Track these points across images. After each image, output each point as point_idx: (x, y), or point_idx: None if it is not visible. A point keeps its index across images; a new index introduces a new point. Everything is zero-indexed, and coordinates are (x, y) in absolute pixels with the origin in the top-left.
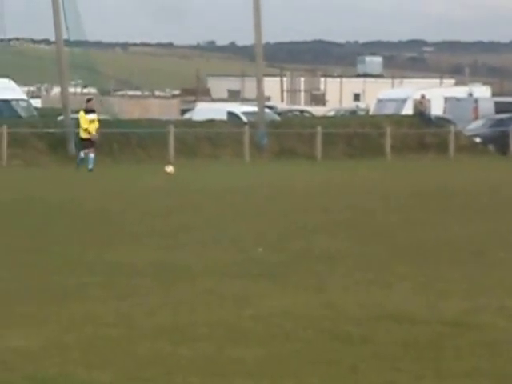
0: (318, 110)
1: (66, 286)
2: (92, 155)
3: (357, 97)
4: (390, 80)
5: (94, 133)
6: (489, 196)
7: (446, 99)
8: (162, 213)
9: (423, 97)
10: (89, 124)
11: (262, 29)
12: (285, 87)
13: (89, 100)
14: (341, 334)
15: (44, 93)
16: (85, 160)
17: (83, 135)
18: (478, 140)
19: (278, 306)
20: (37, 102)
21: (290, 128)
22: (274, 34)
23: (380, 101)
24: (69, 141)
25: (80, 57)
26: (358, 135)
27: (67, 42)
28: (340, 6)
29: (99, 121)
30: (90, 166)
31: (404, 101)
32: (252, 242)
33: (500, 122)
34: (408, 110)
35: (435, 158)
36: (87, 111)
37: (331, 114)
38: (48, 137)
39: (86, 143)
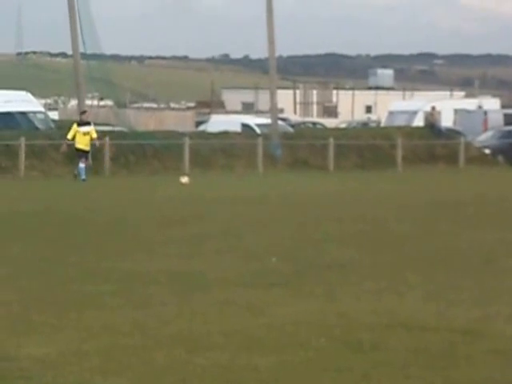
0: (330, 122)
1: (83, 295)
2: (83, 165)
3: (368, 109)
4: (401, 92)
5: (87, 145)
6: (498, 206)
7: (456, 111)
8: (177, 223)
9: (433, 109)
10: (82, 136)
11: (275, 42)
12: (298, 100)
13: (83, 112)
14: (353, 342)
15: (61, 105)
16: (86, 169)
17: (77, 146)
18: (487, 151)
19: (291, 314)
20: (54, 115)
21: (303, 140)
22: (286, 47)
23: (391, 113)
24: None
25: (96, 70)
26: (369, 147)
27: (84, 55)
28: (352, 20)
29: (97, 131)
30: (83, 177)
31: (415, 113)
32: (266, 251)
33: (509, 134)
34: (419, 121)
35: (445, 169)
36: (80, 123)
37: (343, 125)
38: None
39: (80, 154)
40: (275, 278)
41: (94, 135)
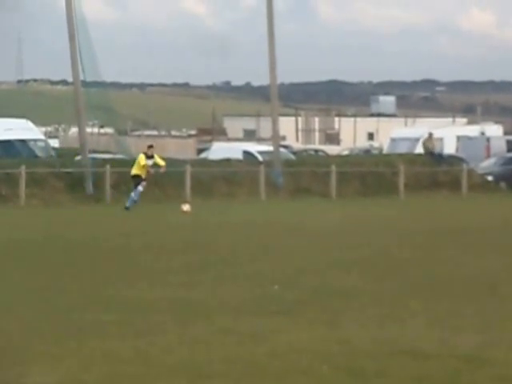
0: (332, 149)
1: (84, 323)
2: (141, 189)
3: (371, 136)
4: (403, 119)
5: (143, 172)
6: (501, 232)
7: (459, 138)
8: (178, 250)
9: (430, 135)
10: (142, 167)
11: (277, 69)
12: (300, 127)
13: (150, 146)
14: (356, 370)
15: (62, 133)
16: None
17: (135, 171)
18: (490, 178)
19: (293, 342)
20: (55, 142)
21: (305, 167)
22: (288, 74)
23: (393, 140)
24: (86, 180)
25: (97, 97)
26: (371, 174)
27: (84, 83)
28: (353, 47)
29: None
30: (136, 198)
31: (417, 140)
32: (268, 279)
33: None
34: (421, 148)
35: (448, 196)
36: (148, 157)
37: (345, 153)
38: (66, 176)
39: (138, 179)
40: (277, 305)
41: (162, 163)
